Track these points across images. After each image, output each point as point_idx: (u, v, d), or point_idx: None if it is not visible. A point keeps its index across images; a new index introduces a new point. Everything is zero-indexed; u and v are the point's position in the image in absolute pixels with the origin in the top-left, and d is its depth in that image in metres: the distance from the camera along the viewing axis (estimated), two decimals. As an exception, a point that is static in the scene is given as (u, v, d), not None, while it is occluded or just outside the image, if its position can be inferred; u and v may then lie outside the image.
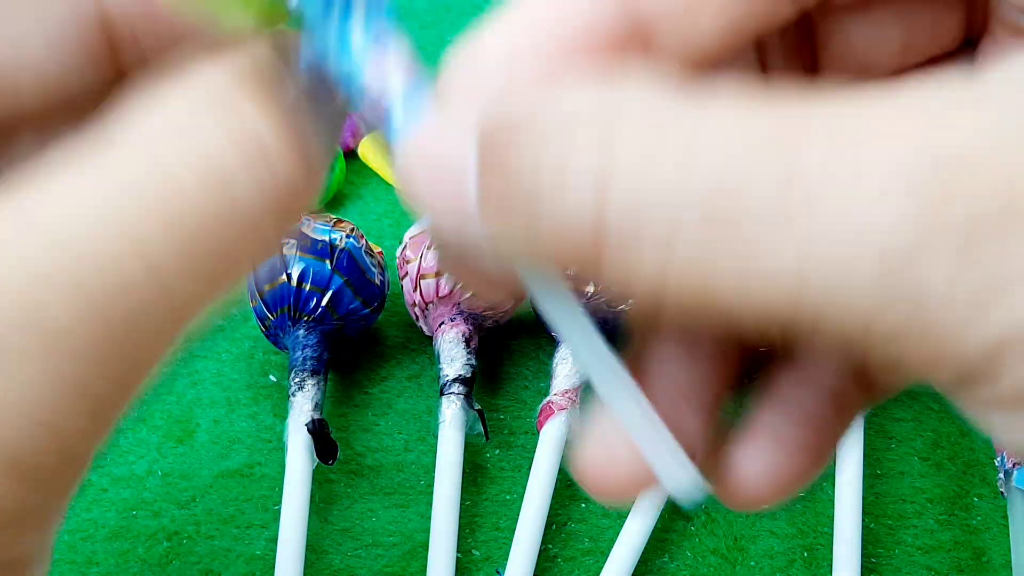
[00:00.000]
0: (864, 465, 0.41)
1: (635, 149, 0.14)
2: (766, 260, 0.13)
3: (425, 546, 0.39)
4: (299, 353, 0.43)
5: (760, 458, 0.20)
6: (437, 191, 0.16)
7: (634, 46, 0.17)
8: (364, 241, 0.46)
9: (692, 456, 0.18)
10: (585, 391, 0.44)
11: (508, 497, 0.43)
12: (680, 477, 0.18)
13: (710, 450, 0.19)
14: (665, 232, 0.14)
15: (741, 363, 0.19)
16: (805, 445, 0.19)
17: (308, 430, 0.40)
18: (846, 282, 0.13)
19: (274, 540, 0.39)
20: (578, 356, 0.18)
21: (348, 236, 0.45)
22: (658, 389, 0.18)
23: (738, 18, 0.18)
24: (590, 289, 0.46)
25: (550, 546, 0.41)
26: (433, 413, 0.44)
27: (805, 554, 0.41)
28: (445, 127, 0.16)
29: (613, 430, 0.18)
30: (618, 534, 0.39)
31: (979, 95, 0.13)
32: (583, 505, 0.43)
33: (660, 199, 0.14)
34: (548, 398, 0.43)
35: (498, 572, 0.40)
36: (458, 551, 0.40)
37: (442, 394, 0.43)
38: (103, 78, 0.21)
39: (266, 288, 0.44)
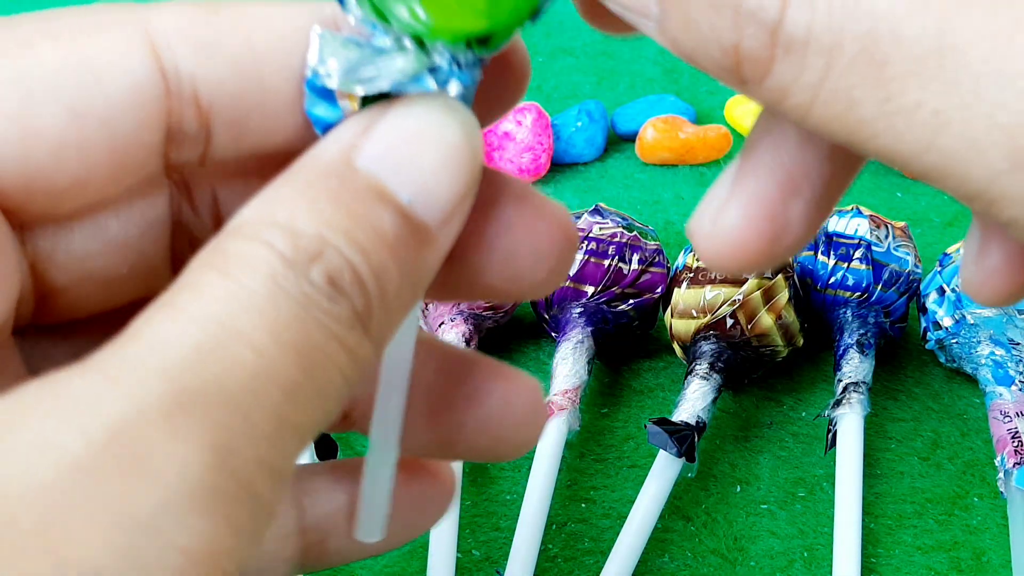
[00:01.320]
0: (864, 465, 0.41)
1: None
2: (905, 106, 0.14)
3: (425, 546, 0.39)
4: (299, 353, 0.43)
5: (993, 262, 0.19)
6: None
7: None
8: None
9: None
10: (585, 391, 0.44)
11: (508, 497, 0.43)
12: (372, 527, 0.20)
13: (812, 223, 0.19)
14: (827, 54, 0.14)
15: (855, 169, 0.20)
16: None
17: (308, 430, 0.40)
18: (972, 148, 0.14)
19: (274, 540, 0.39)
20: (380, 407, 0.19)
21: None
22: (766, 169, 0.19)
23: None
24: (588, 290, 0.46)
25: (550, 546, 0.41)
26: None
27: (805, 554, 0.41)
28: None
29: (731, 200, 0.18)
30: (618, 534, 0.40)
31: None
32: (583, 505, 0.43)
33: (830, 21, 0.14)
34: (548, 398, 0.43)
35: (498, 572, 0.40)
36: (458, 551, 0.40)
37: (442, 394, 0.43)
38: (146, 175, 0.18)
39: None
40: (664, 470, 0.40)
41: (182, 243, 0.20)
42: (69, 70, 0.16)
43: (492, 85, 0.19)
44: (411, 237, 0.17)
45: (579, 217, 0.48)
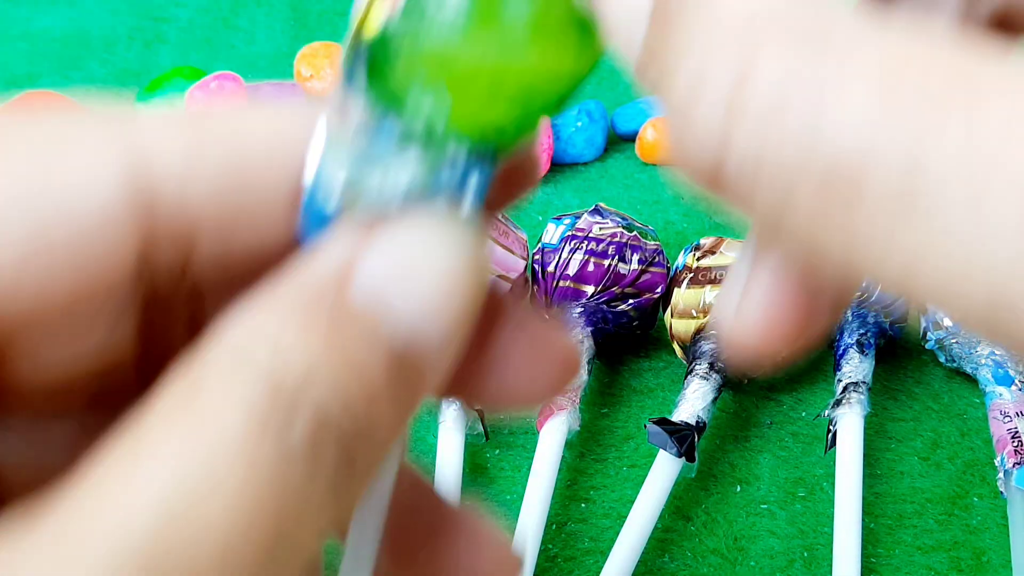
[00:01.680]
0: (864, 465, 0.41)
1: (773, 82, 0.13)
2: (875, 243, 0.13)
3: (425, 546, 0.39)
4: (299, 353, 0.43)
5: None
6: (616, 11, 0.15)
7: None
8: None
9: None
10: (585, 391, 0.44)
11: (508, 497, 0.43)
12: None
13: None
14: (782, 185, 0.13)
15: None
16: None
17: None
18: (949, 290, 0.12)
19: (274, 540, 0.39)
20: (353, 542, 0.18)
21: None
22: (768, 276, 0.17)
23: None
24: (588, 290, 0.46)
25: (550, 546, 0.41)
26: (433, 413, 0.44)
27: (805, 554, 0.41)
28: None
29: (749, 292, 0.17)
30: (618, 534, 0.40)
31: None
32: (583, 505, 0.43)
33: (783, 152, 0.13)
34: (548, 398, 0.43)
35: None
36: (458, 551, 0.40)
37: (442, 394, 0.43)
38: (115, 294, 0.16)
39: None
40: (664, 470, 0.40)
41: (151, 315, 0.18)
42: (34, 191, 0.15)
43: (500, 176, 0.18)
44: (404, 378, 0.15)
45: (579, 217, 0.48)
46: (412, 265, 0.15)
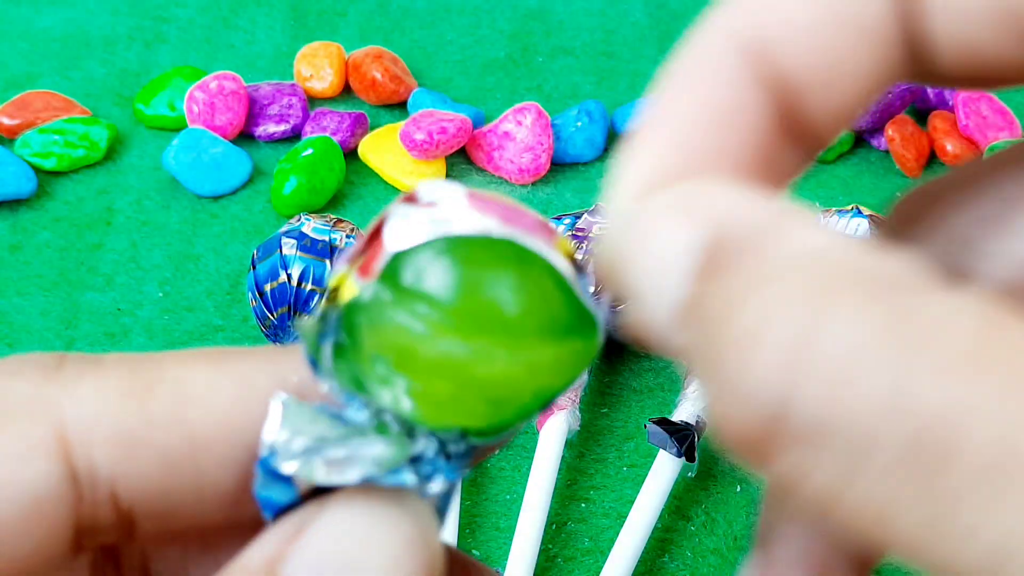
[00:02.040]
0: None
1: (848, 342, 0.12)
2: (960, 527, 0.11)
3: (425, 546, 0.39)
4: (299, 353, 0.43)
5: None
6: (641, 272, 0.14)
7: (788, 125, 0.15)
8: (364, 241, 0.46)
9: None
10: (585, 391, 0.44)
11: (508, 497, 0.43)
12: None
13: None
14: (854, 451, 0.12)
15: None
16: None
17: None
18: None
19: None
20: None
21: (348, 236, 0.45)
22: (791, 561, 0.16)
23: (878, 67, 0.15)
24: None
25: (550, 546, 0.41)
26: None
27: (805, 554, 0.41)
28: (671, 212, 0.14)
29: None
30: (618, 534, 0.40)
31: None
32: (583, 505, 0.43)
33: (860, 412, 0.11)
34: (548, 398, 0.43)
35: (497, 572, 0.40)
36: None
37: (442, 394, 0.43)
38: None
39: (266, 288, 0.44)
40: (664, 470, 0.40)
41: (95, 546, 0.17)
42: None
43: None
44: None
45: (579, 217, 0.48)
46: (349, 546, 0.14)
